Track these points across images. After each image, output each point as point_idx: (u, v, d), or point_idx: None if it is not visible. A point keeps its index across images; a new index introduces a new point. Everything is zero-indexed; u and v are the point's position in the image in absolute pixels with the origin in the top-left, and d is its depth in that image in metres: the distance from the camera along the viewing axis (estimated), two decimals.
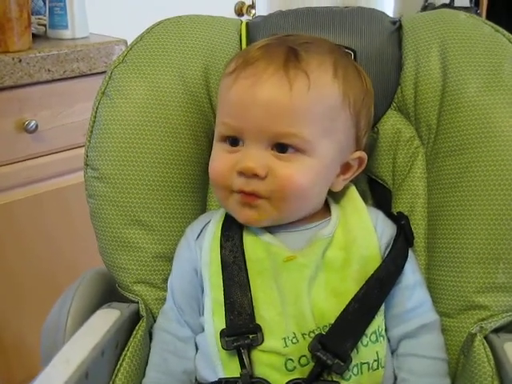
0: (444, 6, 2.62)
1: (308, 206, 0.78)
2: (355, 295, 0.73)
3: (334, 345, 0.70)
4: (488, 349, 0.74)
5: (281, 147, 0.73)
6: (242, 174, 0.73)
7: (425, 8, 2.66)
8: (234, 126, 0.74)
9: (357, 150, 0.81)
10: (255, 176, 0.72)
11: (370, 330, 0.73)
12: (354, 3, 2.82)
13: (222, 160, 0.76)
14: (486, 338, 0.77)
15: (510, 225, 0.77)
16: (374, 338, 0.73)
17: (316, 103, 0.73)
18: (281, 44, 0.76)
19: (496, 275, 0.78)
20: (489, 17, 2.58)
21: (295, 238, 0.78)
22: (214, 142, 0.79)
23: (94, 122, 0.87)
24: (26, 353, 1.47)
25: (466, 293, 0.80)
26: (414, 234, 0.85)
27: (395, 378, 0.76)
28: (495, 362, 0.73)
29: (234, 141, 0.75)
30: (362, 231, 0.78)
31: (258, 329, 0.73)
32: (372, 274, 0.74)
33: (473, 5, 2.64)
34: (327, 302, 0.73)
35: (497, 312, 0.78)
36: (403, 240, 0.80)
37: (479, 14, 2.56)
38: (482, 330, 0.77)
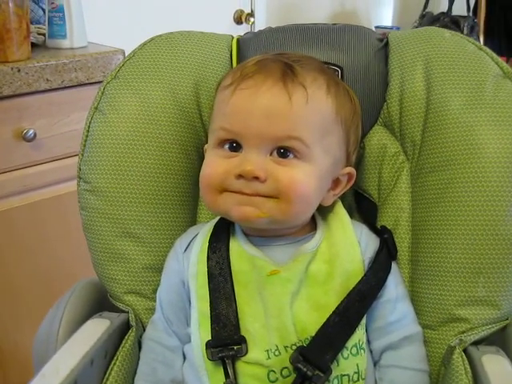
0: (442, 14, 2.64)
1: (307, 212, 0.79)
2: (336, 308, 0.75)
3: (314, 357, 0.72)
4: (466, 361, 0.76)
5: (281, 153, 0.74)
6: (241, 177, 0.73)
7: (423, 17, 2.67)
8: (235, 130, 0.75)
9: (346, 166, 0.83)
10: (255, 179, 0.73)
11: (350, 342, 0.75)
12: (351, 13, 2.86)
13: (217, 163, 0.76)
14: (465, 350, 0.78)
15: (490, 240, 0.79)
16: (354, 350, 0.75)
17: (314, 115, 0.75)
18: (276, 60, 0.78)
19: (476, 289, 0.80)
20: (486, 26, 2.59)
21: (280, 251, 0.79)
22: (209, 149, 0.80)
23: (87, 136, 0.89)
24: (22, 359, 1.48)
25: (447, 306, 0.81)
26: (398, 248, 0.87)
27: None
28: (473, 374, 0.75)
29: (233, 145, 0.76)
30: (346, 245, 0.80)
31: (242, 340, 0.74)
32: (353, 288, 0.76)
33: (470, 14, 2.65)
34: (309, 316, 0.75)
35: (477, 325, 0.80)
36: (386, 254, 0.82)
37: (476, 23, 2.57)
38: (461, 342, 0.79)
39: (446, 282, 0.82)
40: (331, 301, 0.76)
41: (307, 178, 0.75)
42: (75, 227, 1.42)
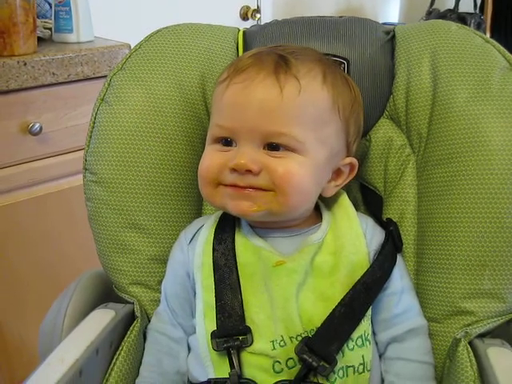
0: (448, 11, 2.63)
1: (305, 204, 0.78)
2: (341, 300, 0.75)
3: (320, 347, 0.72)
4: (471, 354, 0.76)
5: (272, 147, 0.74)
6: (234, 170, 0.74)
7: (429, 13, 2.66)
8: (228, 126, 0.75)
9: (347, 157, 0.83)
10: (248, 172, 0.73)
11: (356, 334, 0.75)
12: (358, 10, 2.85)
13: (212, 157, 0.77)
14: (470, 342, 0.78)
15: (496, 232, 0.79)
16: (360, 342, 0.75)
17: (307, 106, 0.75)
18: (271, 52, 0.78)
19: (482, 281, 0.80)
20: (493, 23, 2.58)
21: (286, 243, 0.79)
22: (206, 145, 0.81)
23: (93, 127, 0.89)
24: (27, 352, 1.49)
25: (453, 298, 0.81)
26: (404, 240, 0.87)
27: (383, 381, 0.78)
28: (478, 366, 0.75)
29: (226, 142, 0.76)
30: (352, 237, 0.80)
31: (247, 330, 0.74)
32: (359, 279, 0.76)
33: (477, 11, 2.64)
34: (315, 307, 0.75)
35: (482, 318, 0.80)
36: (391, 246, 0.82)
37: (483, 20, 2.56)
38: (466, 335, 0.79)
39: (452, 274, 0.81)
40: (337, 292, 0.76)
41: (301, 169, 0.74)
42: (81, 221, 1.42)
